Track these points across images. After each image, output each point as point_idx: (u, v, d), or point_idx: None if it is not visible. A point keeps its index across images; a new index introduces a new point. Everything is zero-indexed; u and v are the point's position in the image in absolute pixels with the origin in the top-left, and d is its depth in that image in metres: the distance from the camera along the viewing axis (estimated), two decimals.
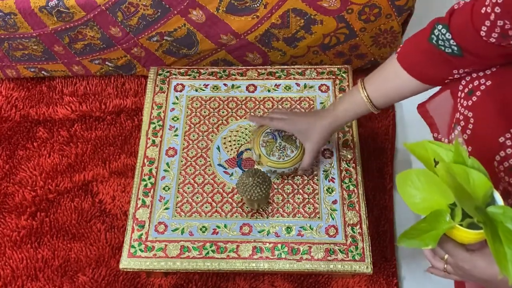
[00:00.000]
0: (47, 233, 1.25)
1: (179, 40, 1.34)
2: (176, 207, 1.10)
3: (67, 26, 1.29)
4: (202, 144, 1.18)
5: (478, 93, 0.86)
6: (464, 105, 0.88)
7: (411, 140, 1.38)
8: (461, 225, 0.72)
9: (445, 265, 0.79)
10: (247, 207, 1.09)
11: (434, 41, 0.84)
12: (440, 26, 0.82)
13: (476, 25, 0.77)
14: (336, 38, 1.33)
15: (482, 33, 0.77)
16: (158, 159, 1.16)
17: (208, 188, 1.12)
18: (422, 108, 1.03)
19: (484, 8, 0.74)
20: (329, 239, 1.05)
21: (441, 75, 0.89)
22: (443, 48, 0.83)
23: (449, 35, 0.81)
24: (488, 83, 0.85)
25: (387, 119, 1.40)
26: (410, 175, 0.74)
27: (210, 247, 1.05)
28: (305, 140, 1.06)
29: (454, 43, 0.81)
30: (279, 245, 1.05)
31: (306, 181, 1.12)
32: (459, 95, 0.90)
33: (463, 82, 0.90)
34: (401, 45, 0.92)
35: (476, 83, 0.87)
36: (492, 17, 0.73)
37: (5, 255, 1.23)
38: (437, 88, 0.99)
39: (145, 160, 1.16)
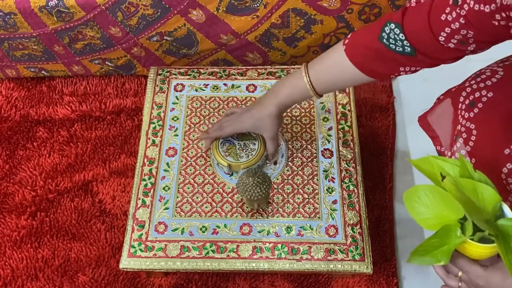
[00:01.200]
0: (47, 233, 1.25)
1: (179, 40, 1.34)
2: (176, 207, 1.10)
3: (67, 26, 1.29)
4: (202, 144, 1.18)
5: (480, 104, 0.85)
6: (466, 117, 0.87)
7: (411, 140, 1.38)
8: (472, 239, 0.71)
9: (460, 283, 0.77)
10: (247, 207, 1.09)
11: (384, 40, 0.83)
12: (392, 25, 0.81)
13: (434, 30, 0.77)
14: (336, 38, 1.33)
15: (441, 38, 0.77)
16: (158, 159, 1.16)
17: (208, 188, 1.12)
18: (423, 121, 1.02)
19: (444, 16, 0.74)
20: (329, 239, 1.05)
21: (388, 71, 0.88)
22: (393, 47, 0.82)
23: (402, 36, 0.80)
24: (490, 94, 0.85)
25: (387, 119, 1.40)
26: (417, 191, 0.74)
27: (210, 247, 1.05)
28: (261, 132, 1.08)
29: (408, 44, 0.81)
30: (279, 245, 1.05)
31: (306, 181, 1.12)
32: (459, 106, 0.90)
33: (464, 94, 0.89)
34: (348, 37, 0.91)
35: (477, 94, 0.86)
36: (455, 25, 0.74)
37: (5, 255, 1.23)
38: (439, 92, 0.99)
39: (145, 160, 1.16)
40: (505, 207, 0.72)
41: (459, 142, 0.88)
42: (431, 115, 1.01)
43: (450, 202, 0.71)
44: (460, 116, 0.89)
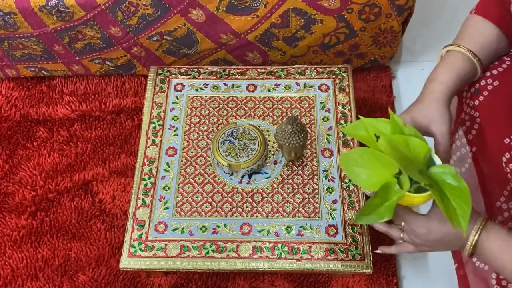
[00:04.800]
0: (47, 232, 1.25)
1: (179, 39, 1.34)
2: (176, 207, 1.10)
3: (67, 25, 1.29)
4: (202, 144, 1.18)
5: (485, 92, 0.86)
6: (470, 105, 0.88)
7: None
8: (409, 192, 0.76)
9: (402, 234, 0.83)
10: (284, 157, 1.12)
11: None
12: None
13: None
14: (336, 37, 1.33)
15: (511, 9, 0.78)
16: (158, 159, 1.16)
17: (208, 188, 1.12)
18: None
19: None
20: (329, 239, 1.05)
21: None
22: None
23: None
24: (496, 83, 0.85)
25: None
26: (352, 155, 0.77)
27: (210, 246, 1.05)
28: (427, 127, 0.84)
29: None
30: (279, 245, 1.05)
31: (306, 180, 1.12)
32: (464, 94, 0.90)
33: None
34: (475, 6, 0.88)
35: (483, 82, 0.87)
36: None
37: (5, 255, 1.23)
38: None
39: (145, 160, 1.16)
40: (435, 157, 0.77)
41: (461, 130, 0.88)
42: None
43: (384, 160, 0.75)
44: (464, 104, 0.89)
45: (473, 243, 0.76)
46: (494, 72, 0.86)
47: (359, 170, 0.77)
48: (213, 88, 1.26)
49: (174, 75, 1.29)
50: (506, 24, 0.86)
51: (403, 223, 0.82)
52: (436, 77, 0.85)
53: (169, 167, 1.15)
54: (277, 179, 1.13)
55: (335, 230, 1.06)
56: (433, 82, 0.86)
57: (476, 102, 0.86)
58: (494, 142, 0.83)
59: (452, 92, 0.85)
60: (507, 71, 0.86)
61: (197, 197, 1.11)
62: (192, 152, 1.17)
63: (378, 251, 0.95)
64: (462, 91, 0.90)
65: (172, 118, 1.22)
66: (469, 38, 0.87)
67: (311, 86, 1.25)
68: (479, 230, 0.76)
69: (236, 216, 1.09)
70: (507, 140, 0.81)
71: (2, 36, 1.33)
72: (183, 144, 1.18)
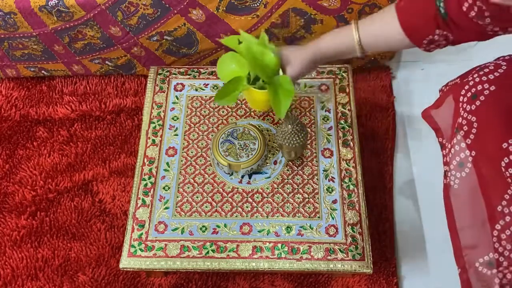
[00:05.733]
0: (47, 232, 1.25)
1: (179, 39, 1.34)
2: (176, 207, 1.10)
3: (67, 25, 1.29)
4: (202, 144, 1.18)
5: (482, 97, 0.86)
6: (468, 109, 0.88)
7: (411, 140, 1.38)
8: (255, 88, 1.08)
9: None
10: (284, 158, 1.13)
11: None
12: None
13: (460, 0, 0.79)
14: None
15: (464, 8, 0.79)
16: (158, 159, 1.16)
17: (208, 188, 1.12)
18: (426, 114, 1.03)
19: None
20: (329, 239, 1.05)
21: (426, 29, 0.88)
22: (438, 3, 0.84)
23: None
24: (492, 88, 0.85)
25: (387, 119, 1.40)
26: (225, 58, 1.10)
27: (210, 246, 1.05)
28: (286, 64, 1.06)
29: (443, 6, 0.82)
30: (279, 245, 1.05)
31: (306, 180, 1.12)
32: (461, 99, 0.90)
33: (466, 87, 0.90)
34: None
35: (479, 87, 0.87)
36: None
37: (5, 255, 1.23)
38: (442, 89, 0.99)
39: (145, 160, 1.16)
40: (281, 72, 1.06)
41: (460, 135, 0.88)
42: (433, 108, 1.01)
43: (240, 61, 1.08)
44: (461, 108, 0.89)
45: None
46: (491, 77, 0.87)
47: (225, 68, 1.10)
48: (213, 88, 1.26)
49: (174, 75, 1.29)
50: (417, 35, 0.89)
51: None
52: (319, 42, 1.03)
53: (169, 167, 1.15)
54: (277, 179, 1.13)
55: (335, 230, 1.06)
56: (315, 43, 1.03)
57: (473, 107, 0.87)
58: (493, 146, 0.83)
59: (322, 58, 1.03)
60: (504, 76, 0.86)
61: (197, 197, 1.11)
62: (192, 152, 1.17)
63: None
64: (459, 96, 0.90)
65: (172, 118, 1.22)
66: (372, 29, 0.95)
67: (311, 86, 1.25)
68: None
69: (236, 216, 1.09)
70: (505, 145, 0.81)
71: (2, 36, 1.33)
72: (183, 144, 1.18)
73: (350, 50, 0.99)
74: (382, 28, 0.94)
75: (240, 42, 1.05)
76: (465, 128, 0.87)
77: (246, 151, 1.11)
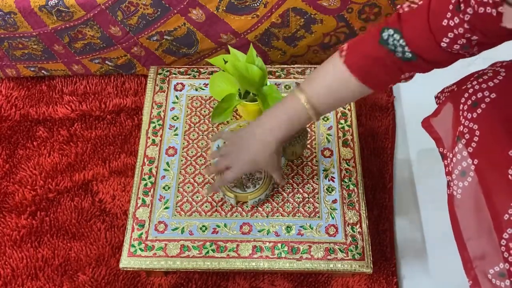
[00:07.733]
0: (47, 232, 1.25)
1: (179, 39, 1.34)
2: (176, 207, 1.10)
3: (67, 25, 1.29)
4: (202, 144, 1.18)
5: (483, 105, 0.85)
6: (468, 117, 0.87)
7: (411, 139, 1.38)
8: (246, 101, 1.13)
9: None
10: (286, 159, 1.14)
11: (385, 44, 0.80)
12: (390, 31, 0.79)
13: (437, 36, 0.76)
14: (336, 37, 1.33)
15: (443, 44, 0.76)
16: (158, 159, 1.16)
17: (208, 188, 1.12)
18: (426, 123, 1.01)
19: (446, 21, 0.74)
20: (329, 238, 1.05)
21: (388, 79, 0.87)
22: (393, 49, 0.80)
23: (403, 41, 0.78)
24: (493, 95, 0.84)
25: (387, 119, 1.40)
26: (215, 77, 1.16)
27: (210, 246, 1.05)
28: (263, 168, 1.02)
29: (409, 50, 0.79)
30: (279, 245, 1.05)
31: (306, 180, 1.12)
32: (461, 107, 0.89)
33: (466, 94, 0.89)
34: (344, 47, 0.85)
35: (479, 95, 0.86)
36: (459, 31, 0.73)
37: (5, 254, 1.23)
38: (442, 95, 0.99)
39: (145, 160, 1.16)
40: (268, 82, 1.15)
41: (461, 143, 0.87)
42: (433, 117, 1.00)
43: (229, 79, 1.14)
44: (462, 117, 0.88)
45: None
46: (491, 84, 0.86)
47: (217, 87, 1.15)
48: None
49: (174, 75, 1.29)
50: (368, 77, 0.85)
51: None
52: (273, 127, 0.92)
53: (169, 166, 1.15)
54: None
55: (335, 230, 1.06)
56: (268, 131, 0.92)
57: (475, 115, 0.85)
58: (498, 154, 0.81)
59: (284, 141, 0.95)
60: (504, 83, 0.85)
61: (197, 197, 1.11)
62: (192, 152, 1.17)
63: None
64: (459, 104, 0.90)
65: (172, 118, 1.22)
66: (321, 86, 0.88)
67: None
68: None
69: (236, 216, 1.09)
70: (511, 152, 0.80)
71: (2, 36, 1.33)
72: (183, 144, 1.18)
73: (304, 119, 0.90)
74: (334, 79, 0.87)
75: (226, 62, 1.12)
76: (467, 136, 0.86)
77: (252, 181, 1.09)
